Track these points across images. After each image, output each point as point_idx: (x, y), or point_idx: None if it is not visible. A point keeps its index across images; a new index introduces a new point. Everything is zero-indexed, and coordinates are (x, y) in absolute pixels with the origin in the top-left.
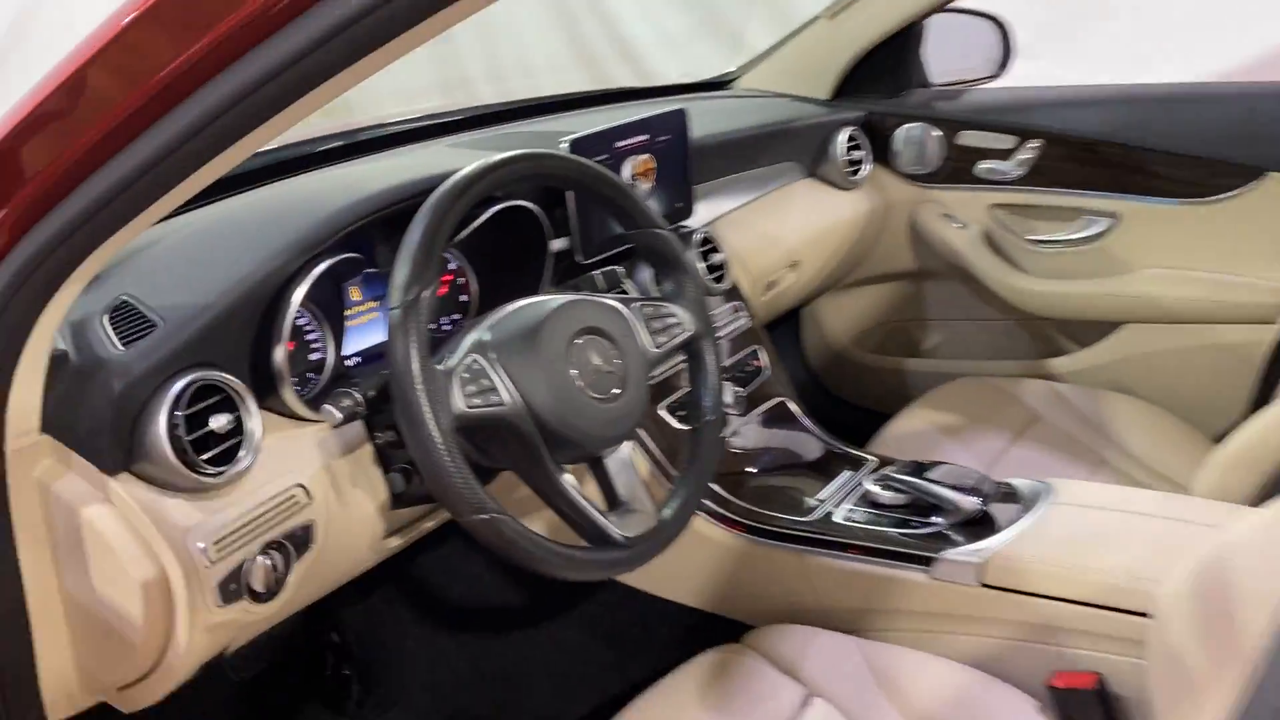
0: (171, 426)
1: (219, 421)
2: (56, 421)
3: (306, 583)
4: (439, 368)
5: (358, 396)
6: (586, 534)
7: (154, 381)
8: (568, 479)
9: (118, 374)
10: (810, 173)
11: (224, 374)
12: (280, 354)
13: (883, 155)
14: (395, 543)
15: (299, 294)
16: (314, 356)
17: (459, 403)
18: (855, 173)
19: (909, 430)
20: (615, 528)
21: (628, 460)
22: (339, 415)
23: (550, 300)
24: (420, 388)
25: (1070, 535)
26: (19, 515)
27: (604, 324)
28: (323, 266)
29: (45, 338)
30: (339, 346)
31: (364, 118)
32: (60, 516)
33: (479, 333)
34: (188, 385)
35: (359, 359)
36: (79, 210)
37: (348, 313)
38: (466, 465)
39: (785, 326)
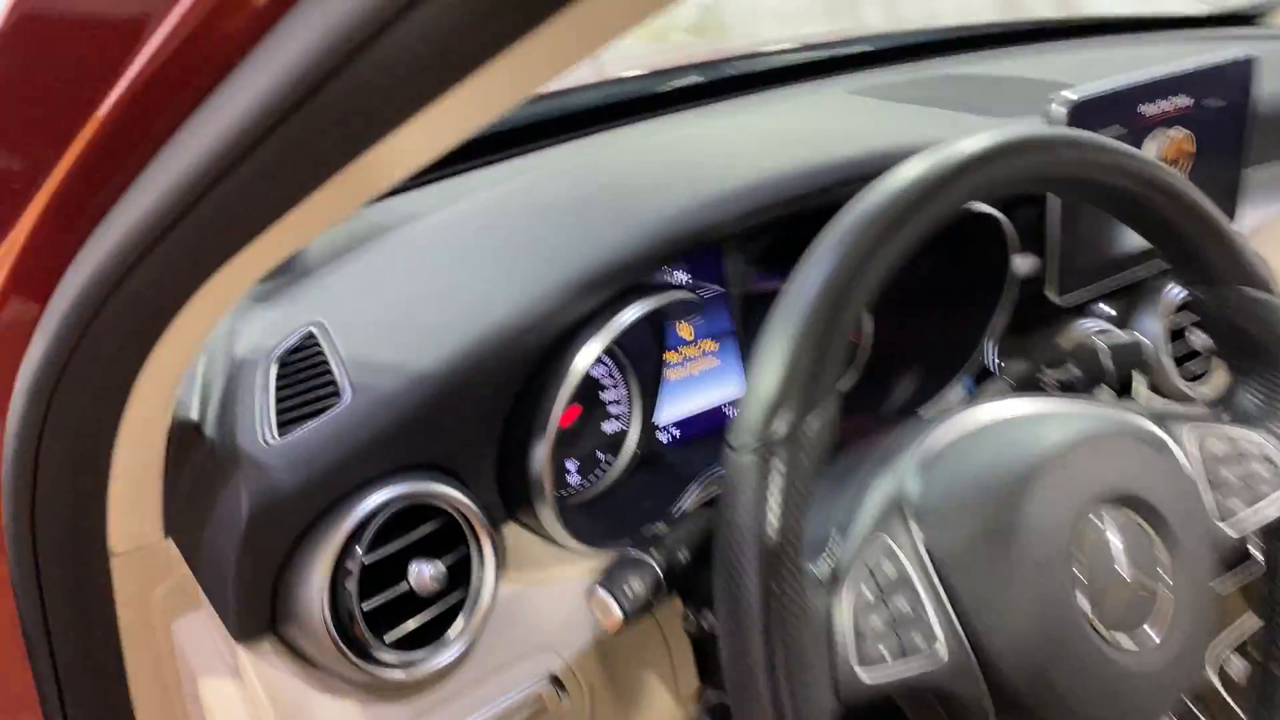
0: (337, 577)
1: (424, 574)
2: (185, 530)
3: None
4: (815, 570)
5: (657, 568)
6: None
7: (314, 504)
8: None
9: (255, 487)
10: None
11: (442, 486)
12: (542, 454)
13: None
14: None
15: (584, 359)
16: (609, 426)
17: (849, 656)
18: None
19: None
20: None
21: None
22: (616, 612)
23: (1039, 421)
24: (768, 624)
25: None
26: (134, 652)
27: (1146, 487)
28: (633, 315)
29: (157, 401)
30: (650, 410)
31: (738, 44)
32: (185, 675)
33: (896, 477)
34: (376, 511)
35: (679, 433)
36: (149, 213)
37: (669, 357)
38: None
39: None
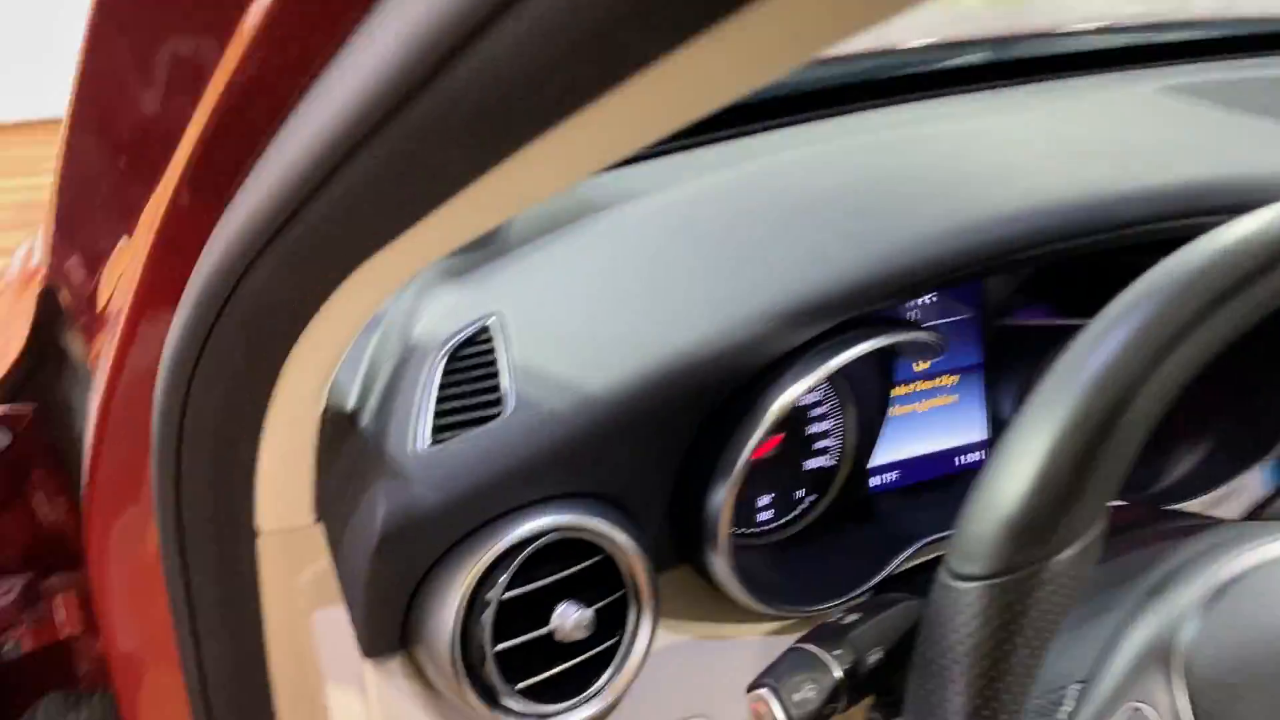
0: (470, 609)
1: (569, 619)
2: (331, 522)
3: None
4: None
5: (839, 672)
6: None
7: (458, 526)
8: None
9: (394, 500)
10: None
11: (603, 521)
12: (722, 497)
13: None
14: None
15: (786, 399)
16: (815, 462)
17: None
18: None
19: None
20: None
21: None
22: (779, 715)
23: None
24: None
25: None
26: (276, 638)
27: None
28: (853, 355)
29: (307, 387)
30: (866, 448)
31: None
32: (323, 671)
33: (1166, 615)
34: (524, 543)
35: (897, 478)
36: (282, 186)
37: (895, 392)
38: None
39: None
